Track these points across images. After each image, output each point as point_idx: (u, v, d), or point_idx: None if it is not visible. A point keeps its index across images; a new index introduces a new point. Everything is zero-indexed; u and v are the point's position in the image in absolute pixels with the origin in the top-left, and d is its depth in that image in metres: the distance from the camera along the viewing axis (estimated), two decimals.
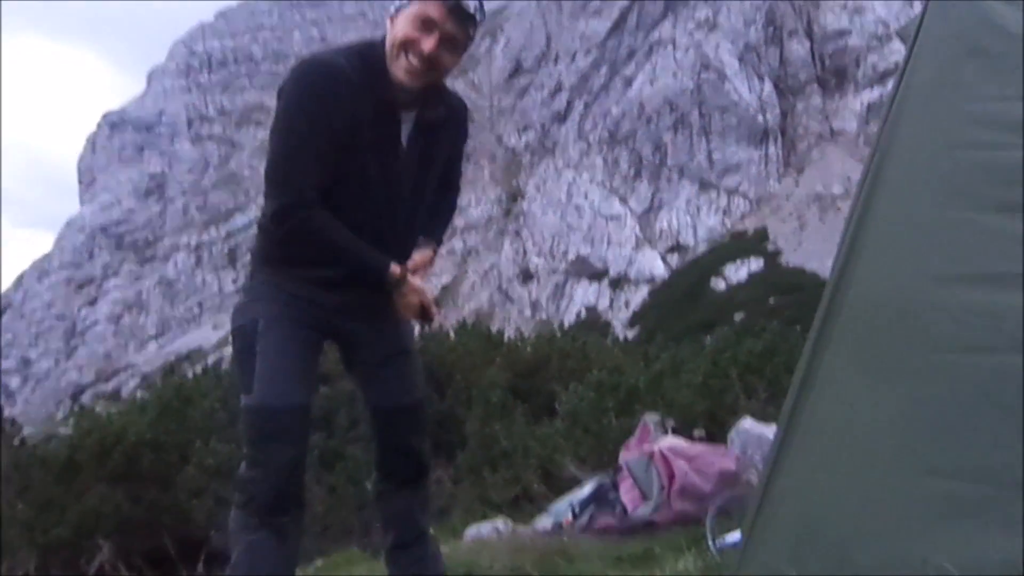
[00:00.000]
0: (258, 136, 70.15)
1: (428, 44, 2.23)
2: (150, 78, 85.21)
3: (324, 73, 2.26)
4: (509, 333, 12.69)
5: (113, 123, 79.54)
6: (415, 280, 2.37)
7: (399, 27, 2.27)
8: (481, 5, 2.30)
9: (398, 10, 2.30)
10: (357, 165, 2.30)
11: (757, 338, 6.91)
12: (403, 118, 2.37)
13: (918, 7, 2.04)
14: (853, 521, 1.66)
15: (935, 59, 1.73)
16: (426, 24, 2.24)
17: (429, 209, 2.57)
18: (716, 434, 4.71)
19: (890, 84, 1.93)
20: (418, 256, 2.48)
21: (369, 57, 2.31)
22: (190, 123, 77.74)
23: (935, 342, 1.61)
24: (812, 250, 34.96)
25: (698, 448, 3.73)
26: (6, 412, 8.56)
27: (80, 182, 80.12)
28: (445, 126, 2.47)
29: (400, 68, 2.26)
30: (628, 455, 3.96)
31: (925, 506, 1.57)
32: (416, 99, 2.35)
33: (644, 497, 3.76)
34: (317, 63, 2.30)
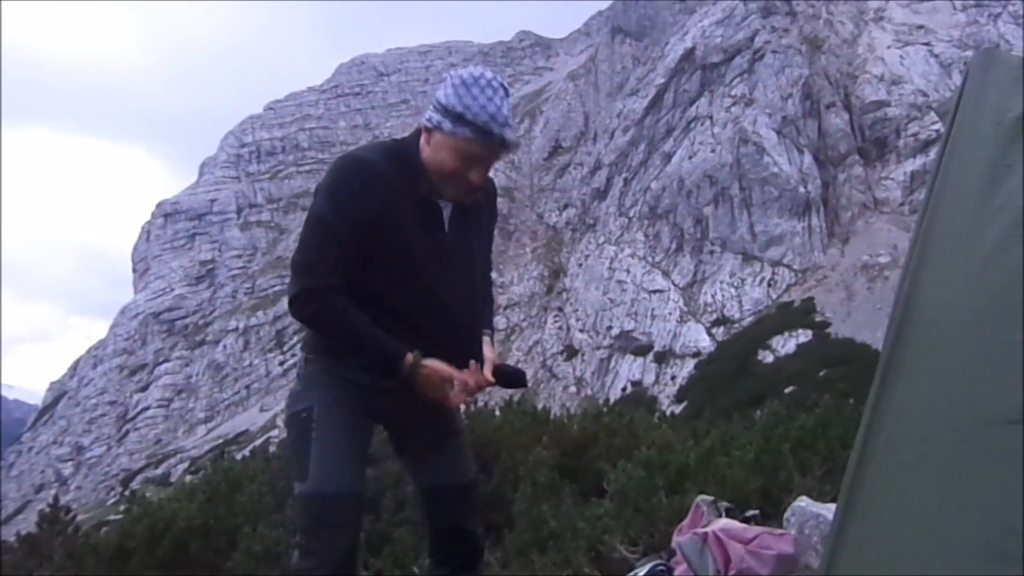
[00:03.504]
0: None
1: (476, 177, 2.33)
2: (202, 169, 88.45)
3: (356, 168, 2.34)
4: (554, 410, 12.57)
5: (167, 212, 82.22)
6: (434, 364, 2.33)
7: (445, 157, 2.31)
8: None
9: (437, 127, 2.32)
10: (404, 254, 2.36)
11: (809, 412, 6.72)
12: (443, 204, 2.44)
13: (956, 78, 2.05)
14: None
15: (977, 142, 1.73)
16: (473, 160, 2.32)
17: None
18: (771, 513, 4.59)
19: (932, 153, 1.94)
20: (487, 350, 2.51)
21: (403, 155, 2.38)
22: (239, 210, 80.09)
23: (992, 415, 1.58)
24: (861, 320, 34.31)
25: (754, 530, 3.62)
26: (61, 499, 8.68)
27: (134, 271, 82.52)
28: (481, 207, 2.55)
29: (446, 191, 2.36)
30: (681, 538, 3.86)
31: None
32: None
33: None
34: (351, 159, 2.38)
